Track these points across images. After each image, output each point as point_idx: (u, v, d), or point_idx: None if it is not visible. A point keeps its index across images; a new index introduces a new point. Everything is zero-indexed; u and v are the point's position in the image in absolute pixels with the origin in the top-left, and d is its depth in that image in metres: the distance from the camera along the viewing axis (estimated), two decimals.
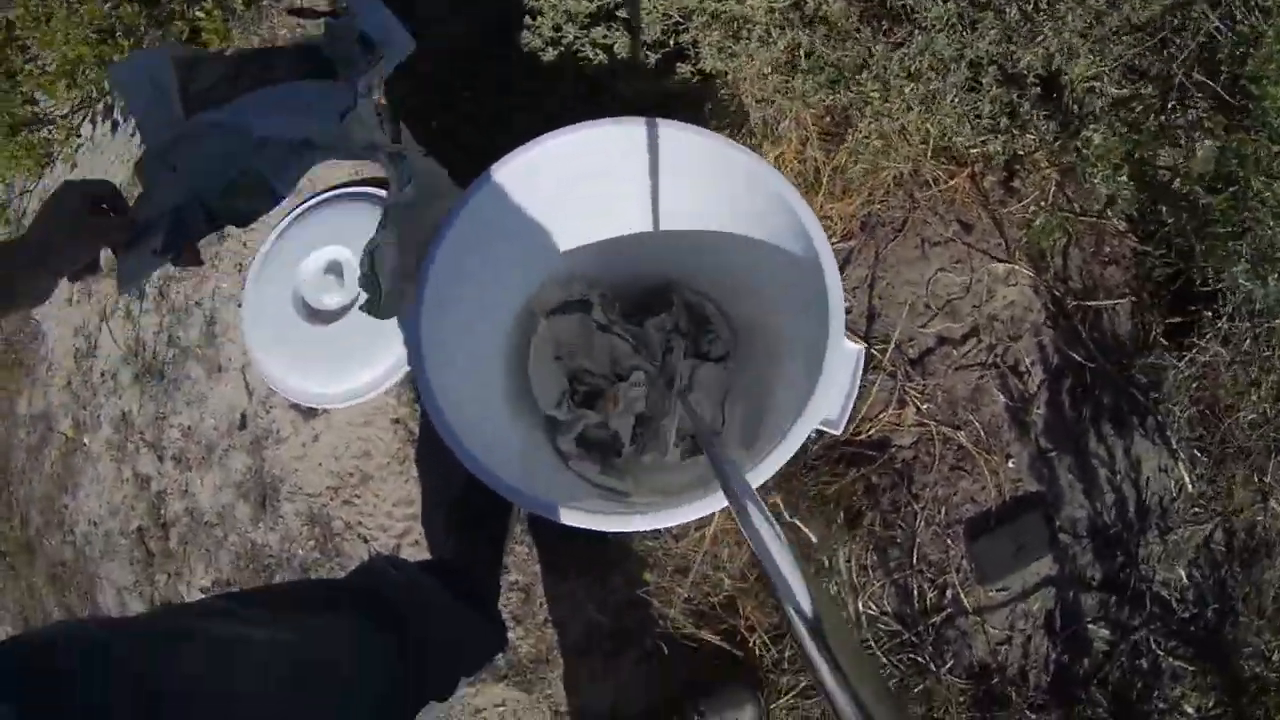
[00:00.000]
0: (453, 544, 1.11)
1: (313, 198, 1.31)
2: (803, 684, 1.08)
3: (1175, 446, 1.08)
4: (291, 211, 1.32)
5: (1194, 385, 1.08)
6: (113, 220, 0.72)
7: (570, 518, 0.72)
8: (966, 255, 1.18)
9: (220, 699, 0.53)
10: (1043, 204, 1.18)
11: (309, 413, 1.27)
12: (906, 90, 1.01)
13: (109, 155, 1.57)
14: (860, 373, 0.78)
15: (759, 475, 0.72)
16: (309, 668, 0.61)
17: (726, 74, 1.05)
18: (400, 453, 1.21)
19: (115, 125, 1.57)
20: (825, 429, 0.76)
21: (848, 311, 1.03)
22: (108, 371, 1.48)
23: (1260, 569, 1.05)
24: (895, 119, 1.03)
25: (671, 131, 0.81)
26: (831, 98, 1.04)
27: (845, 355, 0.75)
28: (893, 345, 1.14)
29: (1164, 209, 1.10)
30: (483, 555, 1.08)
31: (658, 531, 1.12)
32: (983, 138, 1.13)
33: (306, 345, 1.22)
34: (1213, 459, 1.08)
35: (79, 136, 1.61)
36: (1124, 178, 1.06)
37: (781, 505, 1.09)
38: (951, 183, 1.18)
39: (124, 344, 1.46)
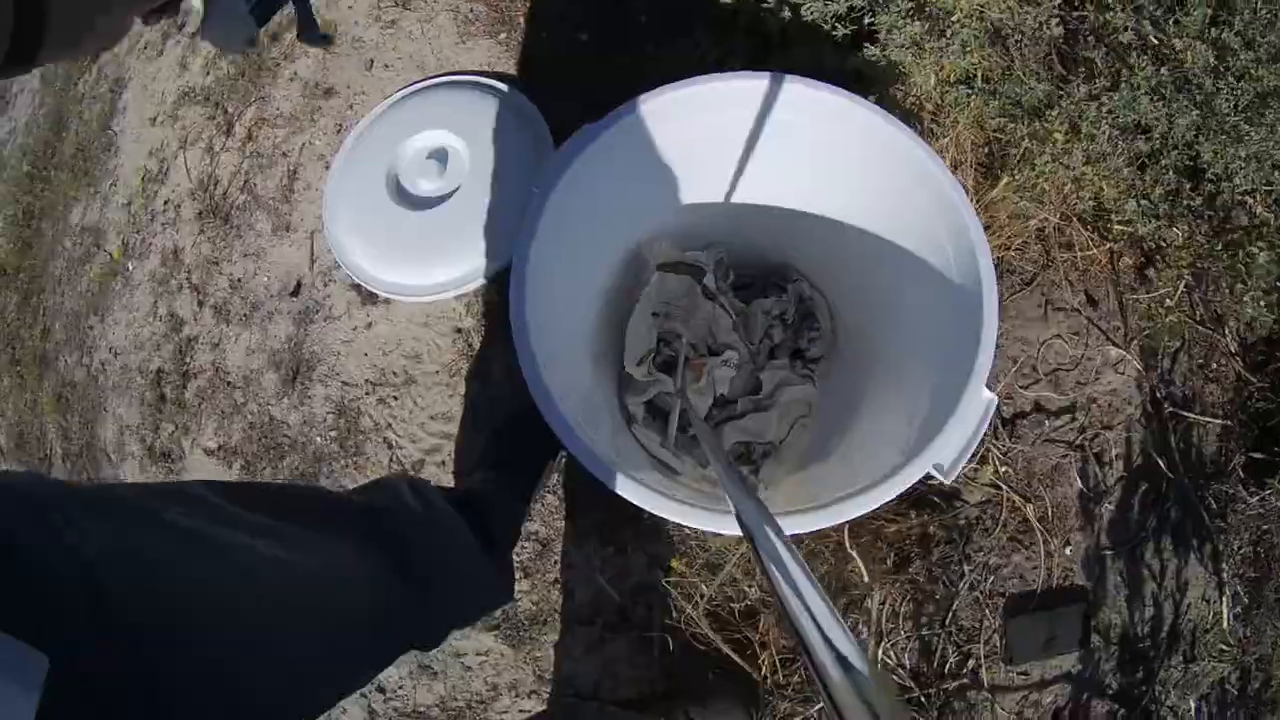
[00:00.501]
0: (481, 476, 1.02)
1: (428, 79, 1.25)
2: (800, 717, 1.02)
3: (1225, 580, 1.05)
4: (406, 86, 1.26)
5: (1259, 526, 1.05)
6: None
7: (627, 489, 0.65)
8: (1085, 329, 1.13)
9: (178, 600, 0.45)
10: (1169, 303, 1.13)
11: (369, 297, 1.20)
12: (1093, 139, 0.95)
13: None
14: (986, 426, 0.70)
15: (860, 507, 0.66)
16: (294, 591, 0.53)
17: (907, 72, 0.99)
18: (453, 365, 1.15)
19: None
20: (935, 474, 0.69)
21: None
22: (172, 201, 1.42)
23: None
24: (1070, 168, 0.97)
25: (831, 99, 0.74)
26: (1011, 127, 0.98)
27: (979, 402, 0.69)
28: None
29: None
30: (510, 496, 1.00)
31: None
32: (1132, 220, 1.08)
33: (388, 227, 1.16)
34: (1255, 603, 1.04)
35: None
36: (1273, 302, 1.01)
37: (846, 535, 1.04)
38: (1091, 252, 1.13)
39: (196, 177, 1.39)
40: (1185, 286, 1.13)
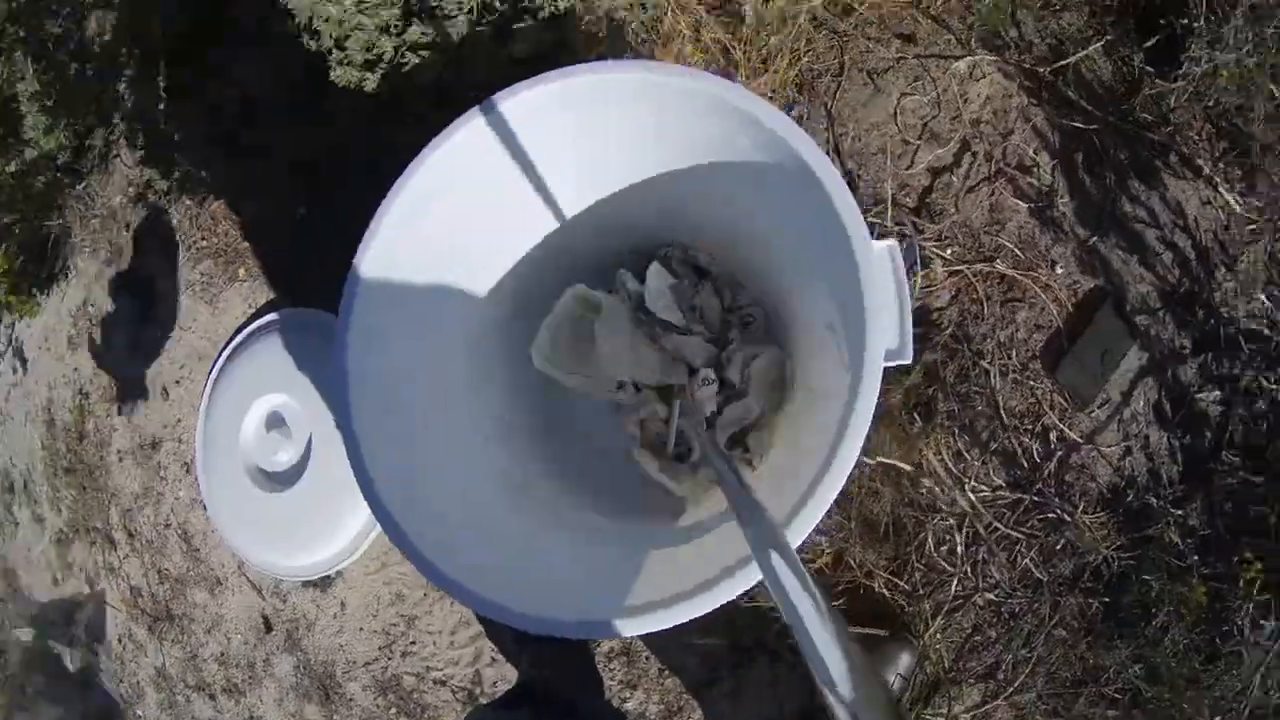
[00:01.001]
0: (529, 651, 0.96)
1: (214, 363, 1.16)
2: (946, 604, 0.94)
3: (1209, 172, 0.95)
4: (206, 381, 1.17)
5: (1201, 102, 0.95)
6: None
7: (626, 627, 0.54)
8: (921, 69, 1.00)
9: None
10: None
11: (324, 583, 1.14)
12: None
13: (20, 419, 1.46)
14: (903, 272, 0.58)
15: (843, 462, 0.54)
16: None
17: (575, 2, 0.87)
18: (427, 583, 1.07)
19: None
20: (894, 361, 0.57)
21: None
22: (124, 637, 1.37)
23: None
24: None
25: (585, 78, 0.62)
26: None
27: (878, 257, 0.57)
28: (889, 202, 0.97)
29: None
30: (565, 644, 0.93)
31: None
32: None
33: (283, 515, 1.08)
34: (1247, 170, 0.94)
35: None
36: None
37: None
38: None
39: (123, 604, 1.35)
40: None
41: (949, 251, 0.97)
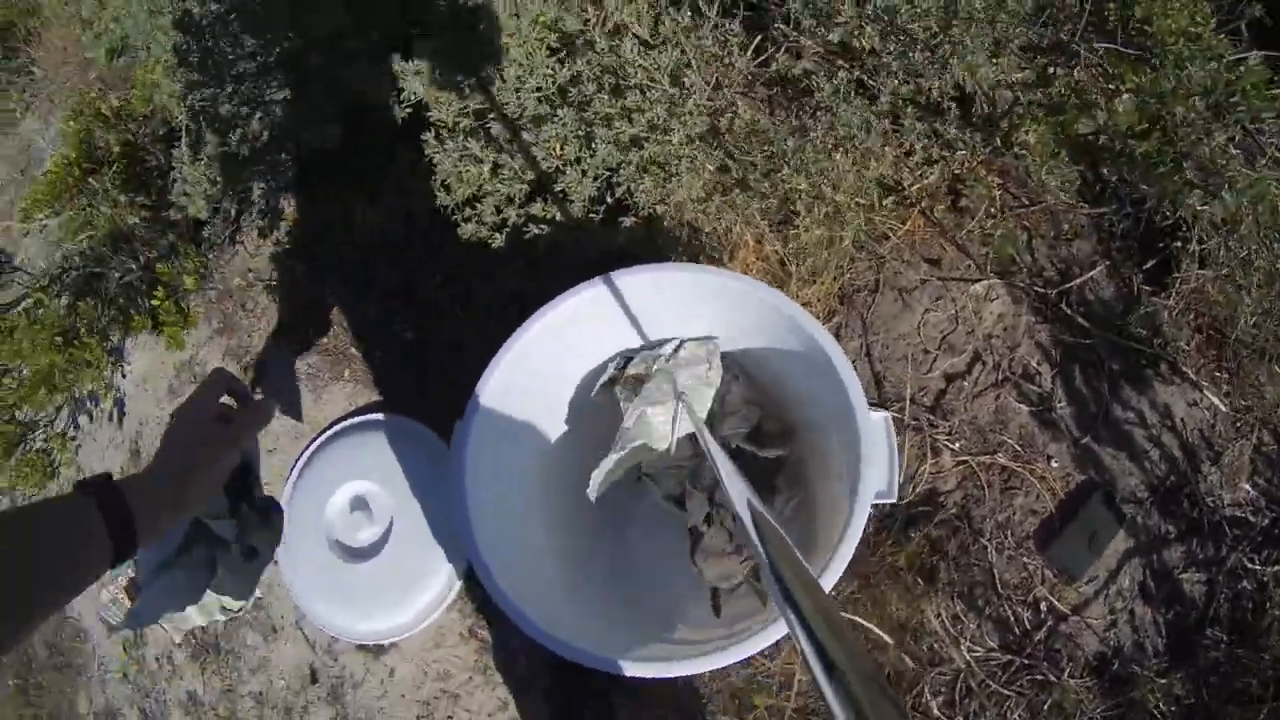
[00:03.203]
0: None
1: (308, 446, 1.32)
2: None
3: (1196, 378, 1.11)
4: (300, 456, 1.32)
5: (1190, 316, 1.13)
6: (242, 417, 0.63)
7: (634, 669, 0.74)
8: (943, 289, 1.20)
9: None
10: (993, 212, 1.21)
11: (378, 649, 1.26)
12: (834, 160, 1.04)
13: (103, 443, 1.58)
14: (894, 437, 0.80)
15: (833, 571, 0.73)
16: None
17: (667, 211, 1.07)
18: (479, 663, 1.21)
19: (106, 414, 1.58)
20: (882, 500, 0.78)
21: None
22: (162, 656, 1.47)
23: None
24: (827, 201, 1.06)
25: (635, 279, 0.86)
26: (764, 203, 1.07)
27: (875, 425, 0.78)
28: (908, 400, 1.16)
29: (1105, 171, 1.13)
30: None
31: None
32: (920, 171, 1.16)
33: (354, 584, 1.22)
34: (1232, 373, 1.11)
35: (73, 438, 1.61)
36: (1063, 158, 1.08)
37: (858, 597, 1.10)
38: (906, 226, 1.21)
39: (168, 629, 1.44)
40: (999, 189, 1.20)
41: (957, 445, 1.14)
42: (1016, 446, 1.14)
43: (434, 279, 1.34)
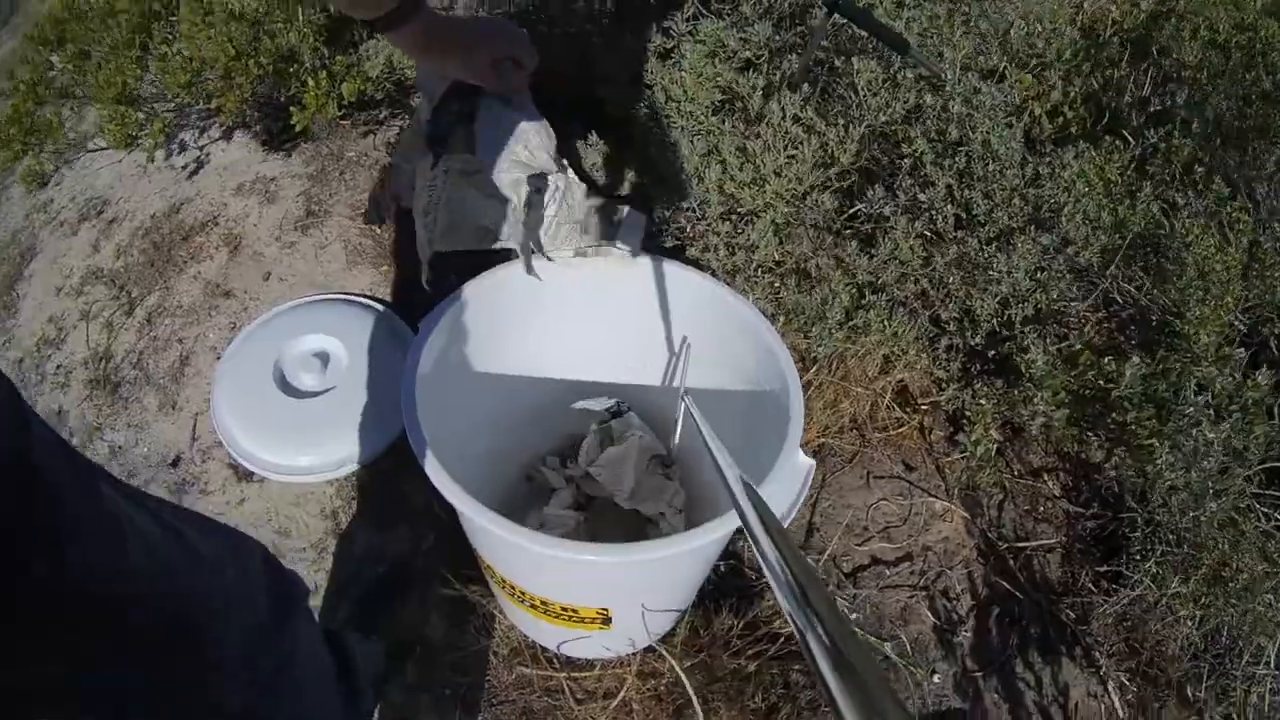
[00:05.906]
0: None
1: (318, 295, 1.46)
2: None
3: (1105, 673, 1.12)
4: (298, 299, 1.46)
5: (1126, 623, 1.15)
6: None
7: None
8: (908, 491, 1.30)
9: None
10: (982, 461, 1.31)
11: (245, 476, 1.27)
12: (871, 330, 1.23)
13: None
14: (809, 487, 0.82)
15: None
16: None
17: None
18: (320, 542, 1.22)
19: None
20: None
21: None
22: (64, 367, 1.48)
23: None
24: (861, 358, 1.25)
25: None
26: (805, 343, 1.26)
27: (797, 466, 0.83)
28: (827, 555, 1.21)
29: (1100, 434, 1.18)
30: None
31: (558, 696, 1.10)
32: (940, 386, 1.30)
33: (269, 412, 1.27)
34: (1141, 684, 1.11)
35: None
36: (1062, 412, 1.17)
37: (688, 684, 1.06)
38: (901, 430, 1.37)
39: (92, 347, 1.48)
40: (998, 447, 1.28)
41: (854, 616, 1.17)
42: (907, 646, 1.19)
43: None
